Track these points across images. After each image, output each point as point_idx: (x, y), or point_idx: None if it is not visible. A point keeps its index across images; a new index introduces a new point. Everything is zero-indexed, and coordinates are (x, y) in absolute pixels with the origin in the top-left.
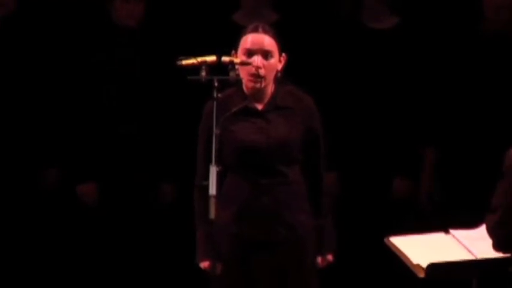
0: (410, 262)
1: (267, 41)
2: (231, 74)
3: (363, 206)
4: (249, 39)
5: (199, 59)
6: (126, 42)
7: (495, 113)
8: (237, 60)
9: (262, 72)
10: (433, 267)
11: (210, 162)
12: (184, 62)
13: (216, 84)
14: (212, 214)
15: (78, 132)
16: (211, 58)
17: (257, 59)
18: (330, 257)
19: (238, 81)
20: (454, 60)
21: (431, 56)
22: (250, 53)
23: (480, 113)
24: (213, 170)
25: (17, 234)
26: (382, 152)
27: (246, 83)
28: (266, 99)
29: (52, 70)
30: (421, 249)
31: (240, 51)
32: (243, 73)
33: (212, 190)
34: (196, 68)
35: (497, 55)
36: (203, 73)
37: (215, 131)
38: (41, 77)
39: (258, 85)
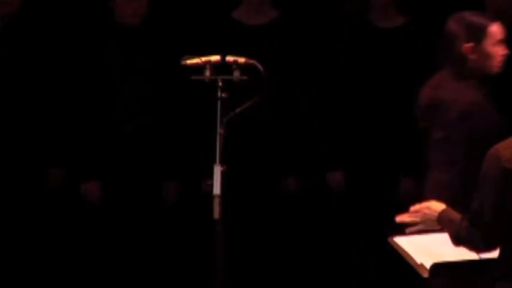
0: (415, 262)
1: None
2: (235, 73)
3: (367, 205)
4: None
5: (204, 59)
6: (128, 40)
7: (498, 111)
8: (241, 60)
9: None
10: (437, 267)
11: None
12: (189, 62)
13: (220, 84)
14: (217, 214)
15: (81, 131)
16: (216, 58)
17: None
18: None
19: (243, 81)
20: None
21: (436, 55)
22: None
23: None
24: (217, 170)
25: (21, 233)
26: (387, 151)
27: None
28: None
29: (55, 69)
30: (425, 249)
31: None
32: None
33: (216, 190)
34: (200, 67)
35: None
36: (207, 73)
37: (219, 130)
38: (44, 76)
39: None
